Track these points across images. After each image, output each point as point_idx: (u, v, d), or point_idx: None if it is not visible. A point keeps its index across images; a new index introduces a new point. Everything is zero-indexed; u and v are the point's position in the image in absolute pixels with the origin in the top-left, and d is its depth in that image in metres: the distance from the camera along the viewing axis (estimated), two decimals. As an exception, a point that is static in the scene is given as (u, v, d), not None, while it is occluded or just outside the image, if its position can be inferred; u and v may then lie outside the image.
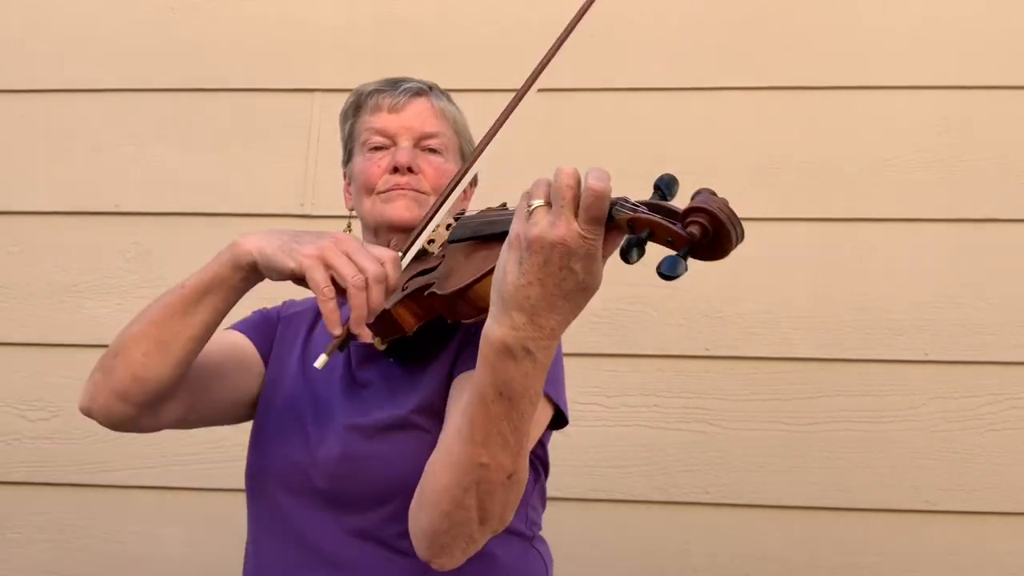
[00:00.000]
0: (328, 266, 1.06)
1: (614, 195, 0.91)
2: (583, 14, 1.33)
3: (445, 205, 1.21)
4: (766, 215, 2.02)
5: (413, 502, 1.10)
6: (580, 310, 0.93)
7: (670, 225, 0.89)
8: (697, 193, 0.91)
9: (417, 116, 1.39)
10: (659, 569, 1.92)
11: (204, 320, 1.21)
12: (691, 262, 0.89)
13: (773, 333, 1.98)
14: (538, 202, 0.91)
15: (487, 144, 1.22)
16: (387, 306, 1.17)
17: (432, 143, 1.39)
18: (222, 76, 2.17)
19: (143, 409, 1.25)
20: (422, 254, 1.27)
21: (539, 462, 1.32)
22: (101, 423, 1.29)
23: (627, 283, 2.01)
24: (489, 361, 0.94)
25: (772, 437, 1.94)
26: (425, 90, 1.43)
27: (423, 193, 1.35)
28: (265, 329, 1.43)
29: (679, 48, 2.12)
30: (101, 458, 2.03)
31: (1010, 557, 1.87)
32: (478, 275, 1.06)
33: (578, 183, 0.89)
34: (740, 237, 0.89)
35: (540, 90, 2.23)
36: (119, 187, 2.14)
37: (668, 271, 0.87)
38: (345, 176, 1.49)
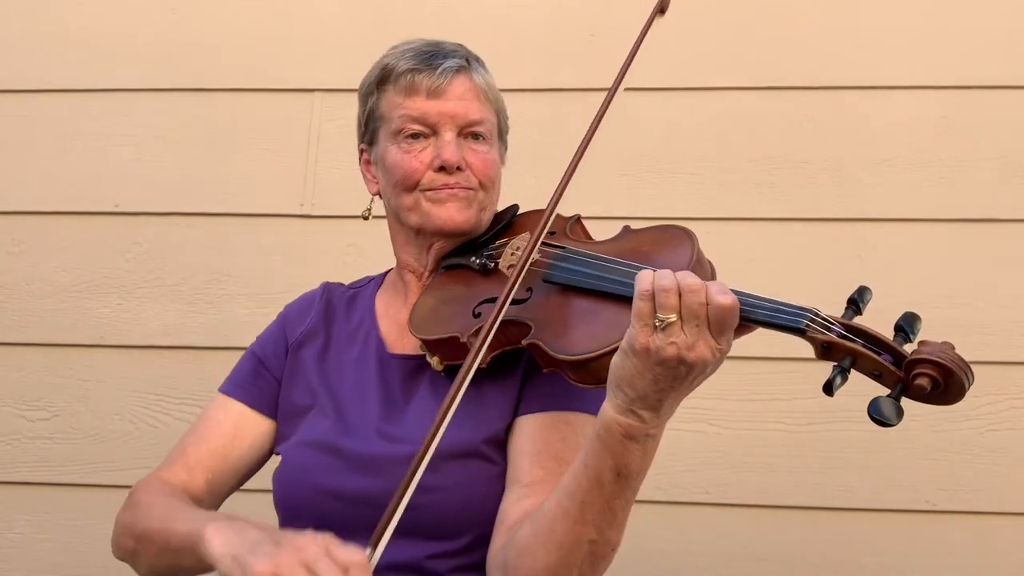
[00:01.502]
0: None
1: (811, 309, 0.93)
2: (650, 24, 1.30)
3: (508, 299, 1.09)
4: (766, 215, 2.02)
5: (499, 569, 1.07)
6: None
7: (878, 359, 0.88)
8: (900, 329, 0.90)
9: (460, 100, 1.27)
10: (659, 569, 1.91)
11: (192, 568, 1.13)
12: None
13: (773, 333, 1.97)
14: (670, 317, 0.90)
15: (569, 178, 1.15)
16: (461, 338, 1.11)
17: (477, 129, 1.29)
18: (222, 76, 2.17)
19: None
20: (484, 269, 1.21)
21: None
22: None
23: (627, 283, 2.01)
24: (610, 447, 0.96)
25: (772, 437, 1.93)
26: (464, 65, 1.30)
27: (472, 190, 1.27)
28: (261, 378, 1.37)
29: (679, 48, 2.12)
30: (101, 458, 2.03)
31: (1010, 557, 1.87)
32: (603, 349, 1.00)
33: (706, 300, 0.91)
34: (971, 382, 0.86)
35: (540, 90, 2.23)
36: (119, 187, 2.14)
37: (881, 417, 0.83)
38: (365, 156, 1.37)
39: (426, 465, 1.01)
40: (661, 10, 1.30)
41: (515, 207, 1.40)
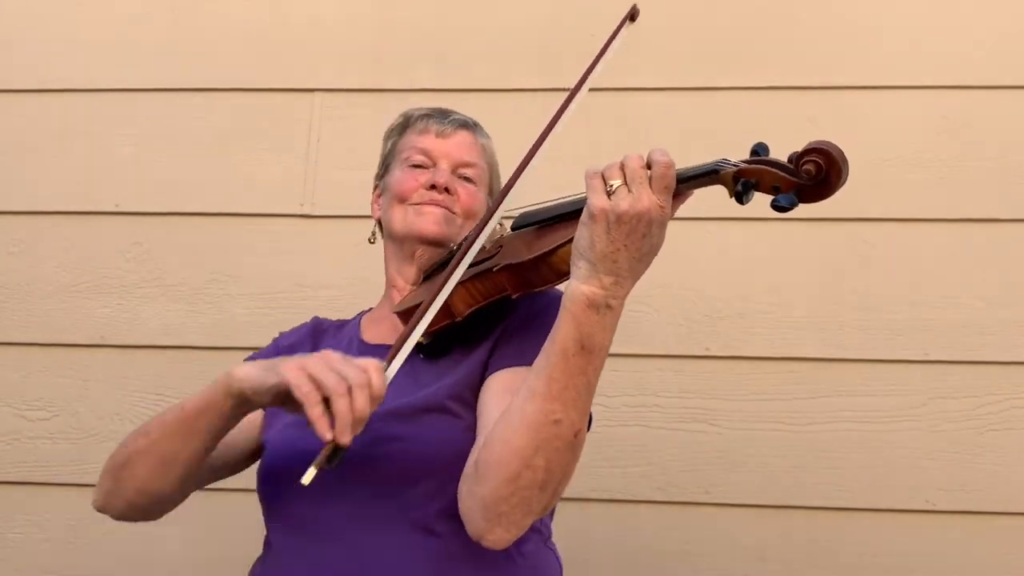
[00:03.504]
0: (310, 376, 1.06)
1: (717, 157, 1.09)
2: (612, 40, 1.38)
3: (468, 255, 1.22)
4: (766, 215, 2.01)
5: (468, 478, 1.13)
6: (643, 272, 1.10)
7: (777, 172, 1.06)
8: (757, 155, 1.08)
9: (459, 145, 1.48)
10: (659, 569, 1.91)
11: (203, 441, 1.23)
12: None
13: (773, 333, 1.98)
14: (617, 182, 1.06)
15: (506, 193, 1.25)
16: (444, 296, 1.21)
17: (468, 172, 1.47)
18: (222, 76, 2.17)
19: (154, 511, 1.32)
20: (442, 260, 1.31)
21: None
22: (116, 519, 1.35)
23: (627, 283, 2.02)
24: (575, 316, 1.07)
25: (772, 437, 1.94)
26: (471, 124, 1.52)
27: (454, 213, 1.43)
28: None
29: (679, 48, 2.12)
30: (101, 458, 2.00)
31: (1010, 557, 1.87)
32: (560, 242, 1.16)
33: (647, 164, 1.06)
34: (846, 177, 1.03)
35: (539, 90, 2.23)
36: (119, 187, 2.14)
37: (786, 204, 1.05)
38: (377, 188, 1.55)
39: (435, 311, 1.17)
40: (631, 17, 1.43)
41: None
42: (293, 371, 1.07)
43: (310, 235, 2.09)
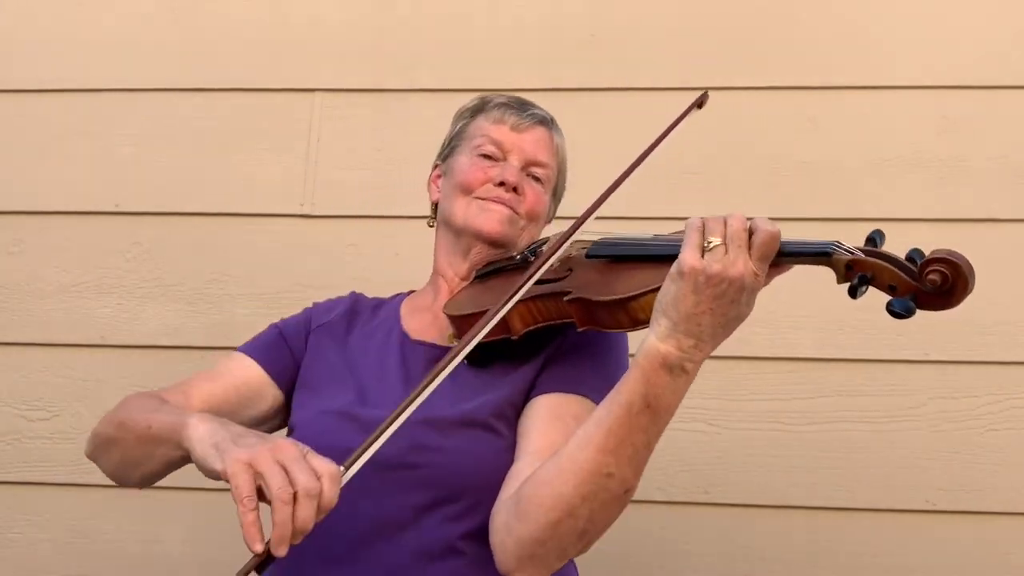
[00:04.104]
0: (257, 473, 0.96)
1: (829, 239, 1.08)
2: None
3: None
4: (766, 215, 2.01)
5: (506, 510, 1.10)
6: (724, 339, 1.05)
7: (897, 272, 1.02)
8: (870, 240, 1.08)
9: (535, 142, 1.43)
10: (659, 569, 1.91)
11: (158, 465, 1.21)
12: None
13: (773, 333, 1.98)
14: (716, 240, 1.02)
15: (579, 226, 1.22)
16: (503, 312, 1.15)
17: (539, 172, 1.43)
18: (222, 76, 2.17)
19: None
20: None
21: None
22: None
23: (627, 283, 2.01)
24: (646, 373, 1.03)
25: (772, 437, 1.93)
26: (548, 121, 1.47)
27: (518, 215, 1.39)
28: (280, 349, 1.41)
29: (679, 48, 2.12)
30: (101, 458, 2.03)
31: (1011, 557, 1.87)
32: (643, 290, 1.09)
33: (750, 229, 1.03)
34: (971, 292, 0.99)
35: (539, 90, 2.22)
36: (119, 187, 2.14)
37: (901, 310, 1.01)
38: (437, 168, 1.50)
39: (425, 397, 1.06)
40: (699, 104, 1.45)
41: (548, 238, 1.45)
42: (237, 464, 0.96)
43: (310, 235, 2.09)
